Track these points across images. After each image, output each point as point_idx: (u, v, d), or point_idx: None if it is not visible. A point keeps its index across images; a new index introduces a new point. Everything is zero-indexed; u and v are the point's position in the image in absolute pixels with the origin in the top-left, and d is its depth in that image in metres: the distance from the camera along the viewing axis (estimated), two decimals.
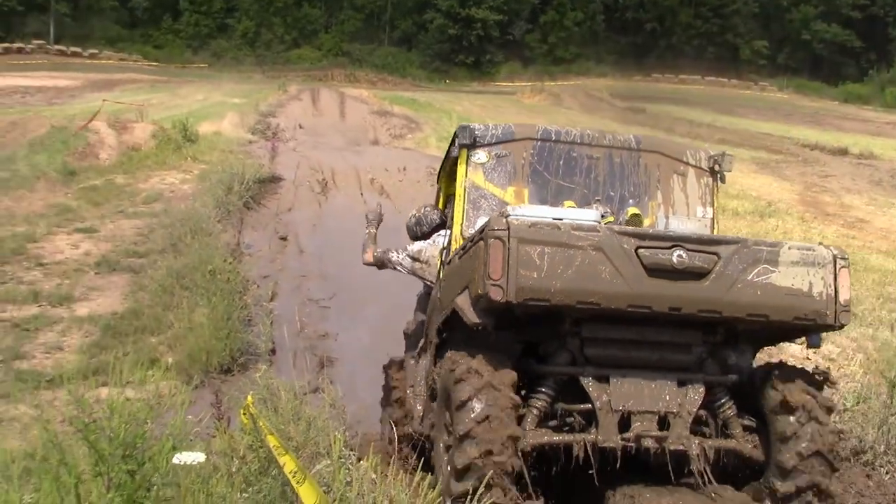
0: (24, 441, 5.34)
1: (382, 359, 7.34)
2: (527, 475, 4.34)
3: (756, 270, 4.28)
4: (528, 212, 4.62)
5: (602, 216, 4.89)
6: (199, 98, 42.74)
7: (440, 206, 6.44)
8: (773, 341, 5.15)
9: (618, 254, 4.21)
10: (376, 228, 6.77)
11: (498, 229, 4.17)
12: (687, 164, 5.31)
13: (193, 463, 4.40)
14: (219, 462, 5.16)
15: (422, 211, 6.46)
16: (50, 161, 20.26)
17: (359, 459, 5.54)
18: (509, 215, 4.37)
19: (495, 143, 5.16)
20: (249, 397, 5.96)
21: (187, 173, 21.30)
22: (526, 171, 5.15)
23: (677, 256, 4.23)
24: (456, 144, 5.25)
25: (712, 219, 5.28)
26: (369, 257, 6.65)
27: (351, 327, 11.26)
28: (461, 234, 5.06)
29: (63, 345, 9.64)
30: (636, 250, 4.24)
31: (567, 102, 52.16)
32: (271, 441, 5.05)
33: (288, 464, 4.73)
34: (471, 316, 4.36)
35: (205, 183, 19.31)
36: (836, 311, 4.36)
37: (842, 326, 4.50)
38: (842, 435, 4.68)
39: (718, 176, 5.35)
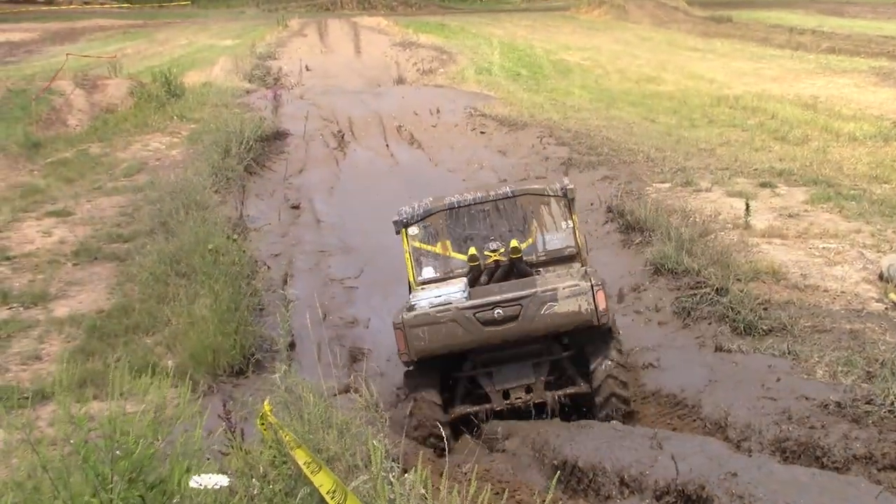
0: (8, 469, 5.45)
1: None
2: (450, 429, 8.40)
3: (545, 307, 8.30)
4: (423, 297, 8.59)
5: (493, 251, 9.08)
6: (183, 43, 43.03)
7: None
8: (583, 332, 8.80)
9: (463, 319, 8.28)
10: None
11: (398, 323, 8.30)
12: (548, 195, 9.27)
13: (215, 487, 4.48)
14: (236, 483, 5.25)
15: None
16: (8, 132, 20.56)
17: (404, 471, 5.62)
18: (412, 305, 8.49)
19: (421, 219, 9.18)
20: (266, 404, 6.04)
21: (174, 136, 21.52)
22: (444, 230, 9.21)
23: (497, 313, 8.28)
24: (396, 229, 9.29)
25: (573, 227, 9.25)
26: None
27: (383, 310, 11.33)
28: (415, 282, 9.10)
29: (41, 353, 9.84)
30: (475, 314, 8.29)
31: (634, 16, 51.42)
32: (299, 456, 5.13)
33: (322, 482, 4.81)
34: (404, 366, 8.79)
35: (196, 146, 19.49)
36: (598, 317, 8.33)
37: (604, 324, 8.43)
38: (628, 383, 8.76)
39: (570, 198, 9.22)
